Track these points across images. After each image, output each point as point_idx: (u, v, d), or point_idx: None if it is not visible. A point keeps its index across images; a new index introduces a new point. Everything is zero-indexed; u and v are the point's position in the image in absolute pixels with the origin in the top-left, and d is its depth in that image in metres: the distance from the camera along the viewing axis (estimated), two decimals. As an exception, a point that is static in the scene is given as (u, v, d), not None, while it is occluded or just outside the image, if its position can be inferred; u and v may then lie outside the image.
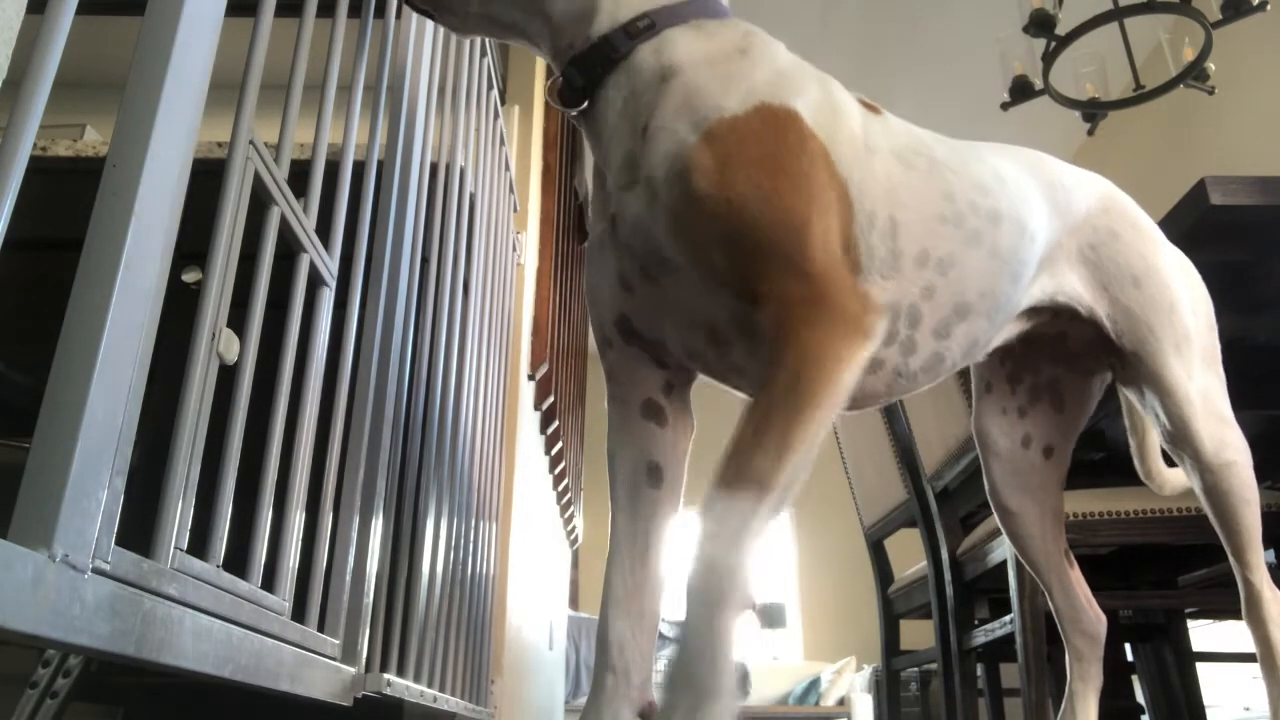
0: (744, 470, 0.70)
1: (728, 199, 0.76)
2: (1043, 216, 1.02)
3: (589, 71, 0.88)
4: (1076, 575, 1.25)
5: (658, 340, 0.91)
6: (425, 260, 1.31)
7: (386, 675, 1.04)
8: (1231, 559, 1.11)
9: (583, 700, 5.03)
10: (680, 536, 0.88)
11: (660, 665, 0.87)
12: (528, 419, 2.49)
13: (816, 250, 0.76)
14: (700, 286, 0.83)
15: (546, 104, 2.83)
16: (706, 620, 0.67)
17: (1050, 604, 1.25)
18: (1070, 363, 1.21)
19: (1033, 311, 1.07)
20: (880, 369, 0.91)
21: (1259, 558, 1.10)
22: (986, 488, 1.26)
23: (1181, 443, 1.08)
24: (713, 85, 0.82)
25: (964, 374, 1.79)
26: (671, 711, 0.66)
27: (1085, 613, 1.23)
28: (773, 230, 0.75)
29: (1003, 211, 0.95)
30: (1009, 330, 1.06)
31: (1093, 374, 1.22)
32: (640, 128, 0.84)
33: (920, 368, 0.93)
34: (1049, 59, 2.98)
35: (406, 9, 1.17)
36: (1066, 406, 1.24)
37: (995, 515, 1.27)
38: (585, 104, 0.89)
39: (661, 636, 4.57)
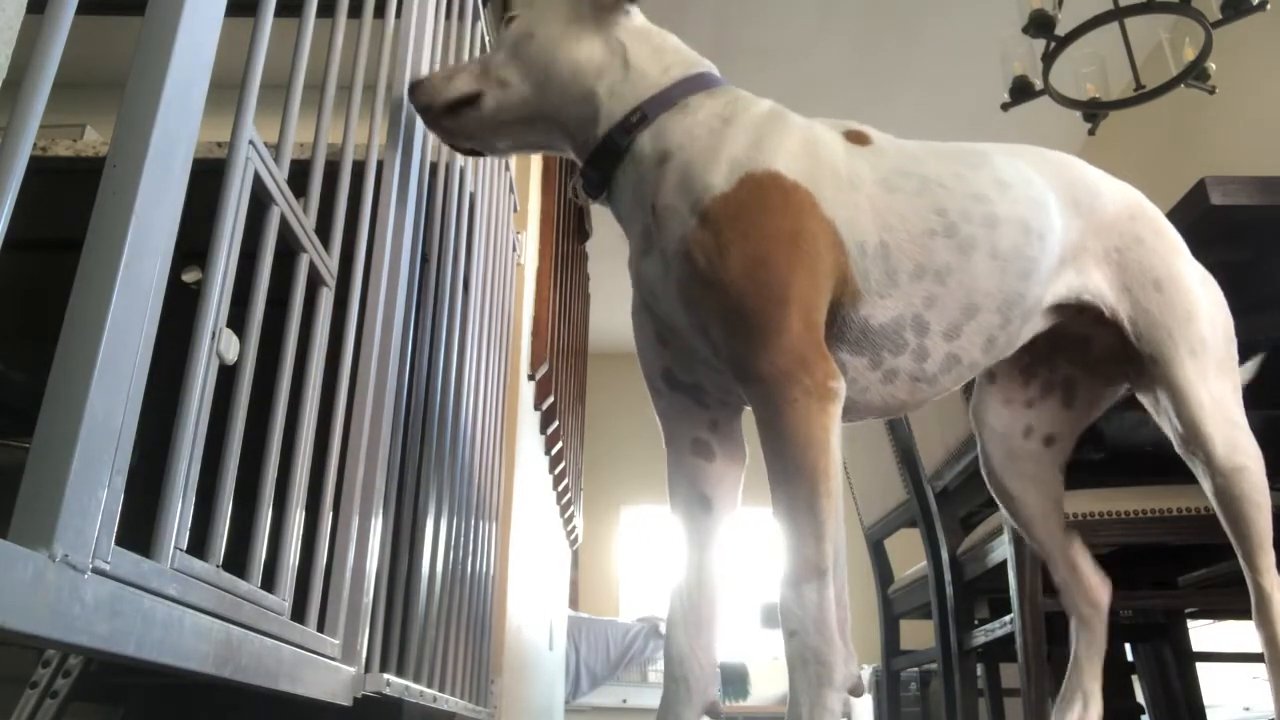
0: (799, 567, 0.82)
1: (721, 277, 0.88)
2: (1055, 216, 1.06)
3: (601, 167, 1.02)
4: (1078, 546, 1.27)
5: (697, 384, 1.02)
6: (425, 260, 1.31)
7: (386, 675, 1.04)
8: (1241, 561, 1.12)
9: (583, 700, 5.04)
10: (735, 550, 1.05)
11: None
12: (528, 419, 2.49)
13: (794, 321, 0.87)
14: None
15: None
16: (815, 701, 0.79)
17: (1054, 577, 1.27)
18: (1089, 367, 1.23)
19: (1059, 308, 1.10)
20: (895, 378, 0.98)
21: (1269, 560, 1.11)
22: (984, 472, 1.28)
23: (1193, 446, 1.10)
24: (701, 162, 0.93)
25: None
26: None
27: (1088, 581, 1.25)
28: (758, 303, 0.87)
29: (1000, 215, 1.01)
30: (1037, 324, 1.09)
31: (1110, 382, 1.23)
32: (649, 206, 0.96)
33: (939, 370, 1.00)
34: (1049, 59, 2.98)
35: (406, 9, 1.18)
36: (1076, 404, 1.25)
37: (995, 497, 1.29)
38: (605, 195, 1.04)
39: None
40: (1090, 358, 1.21)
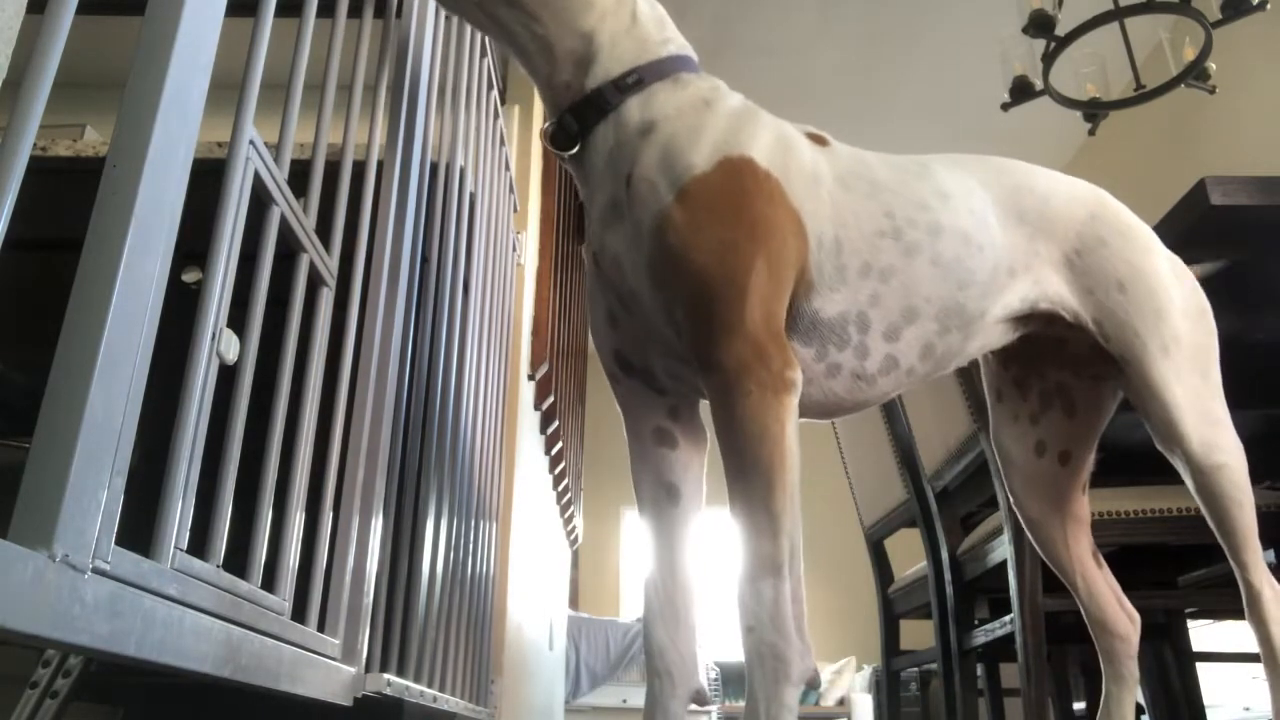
0: (755, 563, 0.82)
1: (693, 258, 0.88)
2: (997, 229, 1.07)
3: (582, 120, 0.98)
4: (1104, 576, 1.25)
5: (647, 368, 1.01)
6: (425, 260, 1.31)
7: (386, 675, 1.04)
8: (1230, 559, 1.12)
9: (583, 700, 5.04)
10: (704, 542, 1.03)
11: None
12: (528, 419, 2.49)
13: (754, 310, 0.87)
14: (660, 325, 0.94)
15: (546, 104, 2.83)
16: (767, 702, 0.79)
17: (1079, 605, 1.25)
18: (1076, 368, 1.22)
19: (1022, 319, 1.10)
20: (838, 373, 0.99)
21: (1256, 557, 1.10)
22: (1010, 496, 1.27)
23: (1170, 444, 1.10)
24: (683, 140, 0.93)
25: (966, 379, 1.79)
26: None
27: (1113, 613, 1.23)
28: (722, 289, 0.87)
29: (943, 224, 1.03)
30: (991, 338, 1.09)
31: (1101, 380, 1.22)
32: (624, 175, 0.95)
33: (877, 370, 1.01)
34: (1049, 59, 2.98)
35: (406, 9, 1.17)
36: (1078, 411, 1.25)
37: (1021, 521, 1.28)
38: (576, 149, 0.99)
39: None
40: (1071, 358, 1.21)
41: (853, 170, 1.02)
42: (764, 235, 0.90)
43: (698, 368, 0.89)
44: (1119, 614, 1.23)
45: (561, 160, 1.02)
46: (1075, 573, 1.24)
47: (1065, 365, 1.22)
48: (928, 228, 1.02)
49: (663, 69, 0.99)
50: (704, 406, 1.03)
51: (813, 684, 0.83)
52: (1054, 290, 1.09)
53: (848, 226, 0.98)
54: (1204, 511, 1.11)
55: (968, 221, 1.05)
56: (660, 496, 1.01)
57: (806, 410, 1.01)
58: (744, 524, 0.84)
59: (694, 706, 0.97)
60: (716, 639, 5.60)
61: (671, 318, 0.91)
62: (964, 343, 1.06)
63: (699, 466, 1.03)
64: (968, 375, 1.78)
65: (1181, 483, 1.66)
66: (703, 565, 1.03)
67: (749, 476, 0.84)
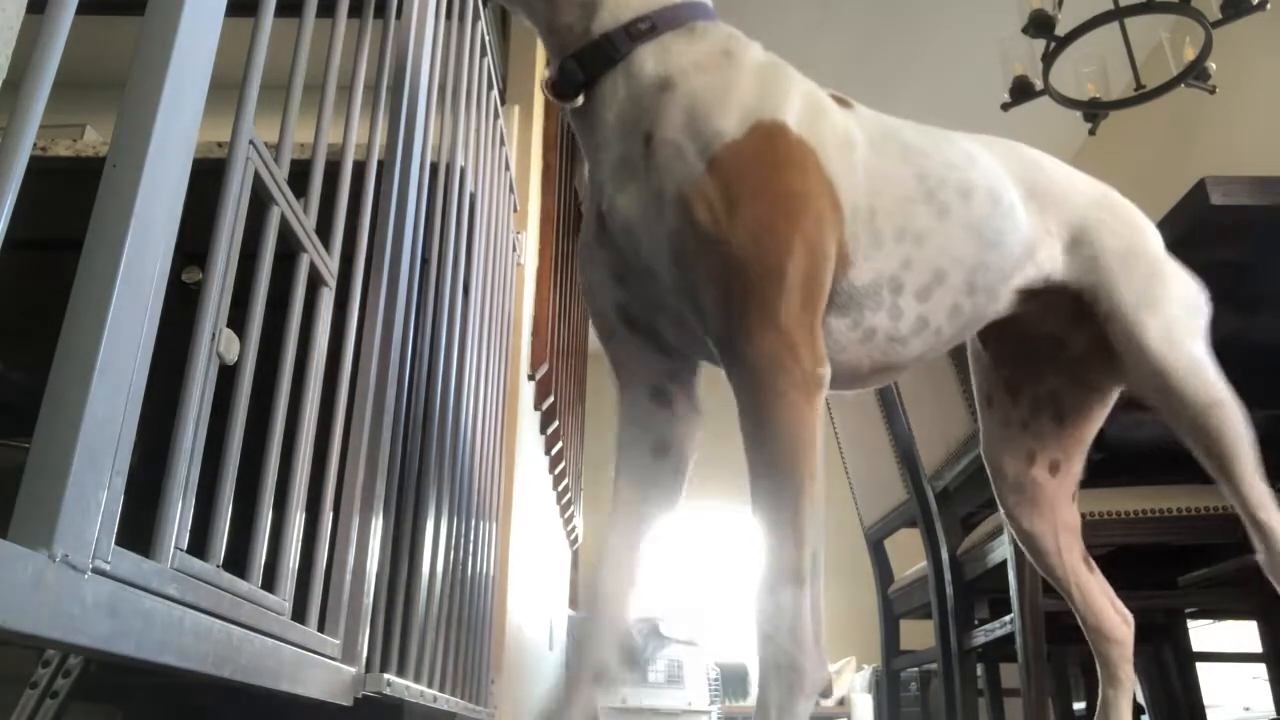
0: (777, 570, 0.79)
1: (727, 239, 0.82)
2: (1017, 195, 1.06)
3: (588, 67, 0.91)
4: (1096, 581, 1.25)
5: (653, 329, 0.95)
6: (425, 260, 1.31)
7: (386, 675, 1.04)
8: (1237, 505, 1.09)
9: (583, 700, 5.02)
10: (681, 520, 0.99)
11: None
12: (528, 419, 2.49)
13: (792, 298, 0.83)
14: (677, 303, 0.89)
15: (547, 104, 2.83)
16: (786, 707, 0.77)
17: (1075, 613, 1.25)
18: (1072, 373, 1.21)
19: (1028, 296, 1.09)
20: (873, 336, 0.96)
21: (1262, 492, 1.07)
22: (1001, 511, 1.27)
23: (1164, 394, 1.06)
24: (711, 100, 0.87)
25: (966, 378, 1.79)
26: None
27: (1107, 618, 1.22)
28: (758, 273, 0.82)
29: (974, 184, 1.01)
30: (1002, 305, 1.07)
31: (1095, 389, 1.22)
32: (642, 134, 0.87)
33: (909, 331, 0.98)
34: (1049, 59, 2.98)
35: (406, 9, 1.17)
36: (1067, 420, 1.24)
37: (1014, 537, 1.28)
38: (580, 99, 0.92)
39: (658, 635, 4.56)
40: (1070, 360, 1.20)
41: (882, 133, 0.98)
42: (799, 211, 0.85)
43: (722, 357, 0.85)
44: (1114, 619, 1.23)
45: (563, 110, 0.96)
46: (1070, 582, 1.24)
47: (1063, 370, 1.22)
48: (958, 188, 1.00)
49: (677, 15, 0.91)
50: (703, 375, 1.00)
51: (825, 693, 0.82)
52: (1061, 268, 1.09)
53: (881, 193, 0.94)
54: (1203, 459, 1.09)
55: (995, 182, 1.03)
56: (646, 452, 0.96)
57: (836, 379, 0.95)
58: (768, 530, 0.81)
59: (662, 686, 0.97)
60: (717, 639, 5.59)
61: (695, 301, 0.86)
62: (987, 306, 1.05)
63: (693, 431, 0.98)
64: (968, 374, 1.78)
65: (1182, 482, 1.66)
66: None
67: (777, 482, 0.81)
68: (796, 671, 0.78)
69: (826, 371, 0.84)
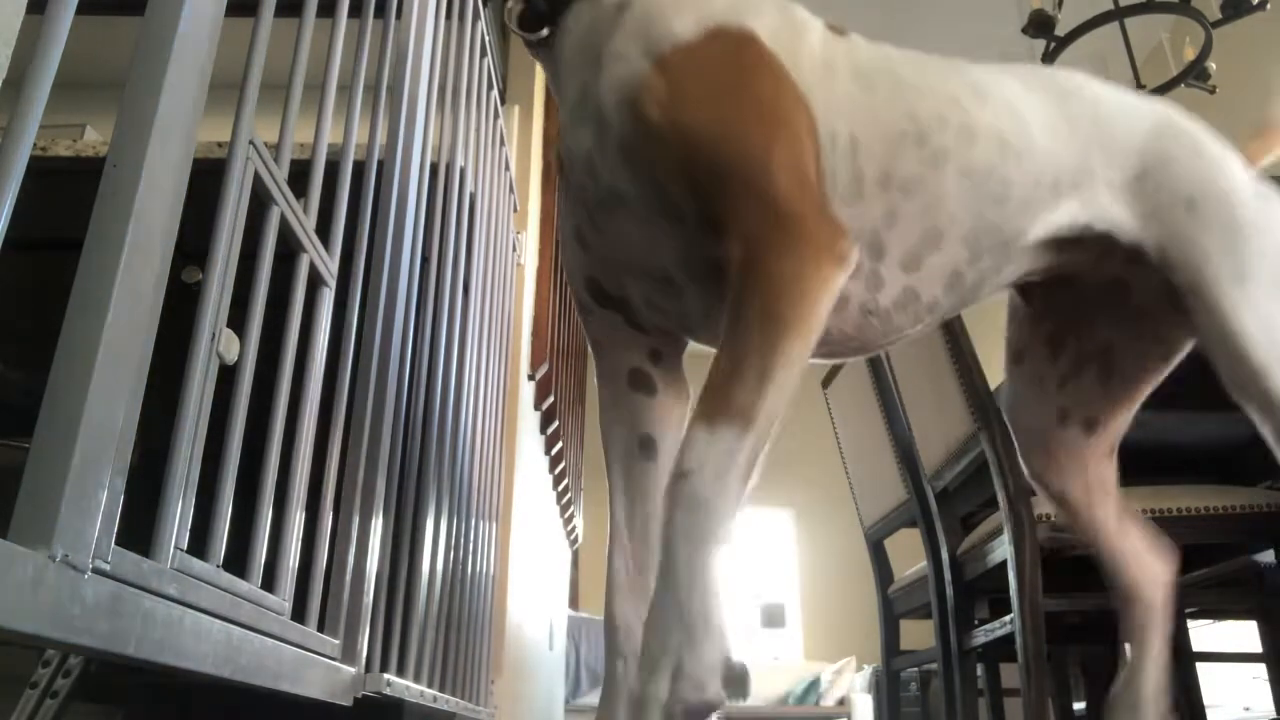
0: (724, 404, 0.67)
1: (681, 127, 0.73)
2: (1042, 135, 0.92)
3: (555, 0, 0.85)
4: (1130, 543, 1.12)
5: (624, 297, 0.88)
6: (425, 260, 1.31)
7: (386, 675, 1.04)
8: None
9: (583, 700, 5.03)
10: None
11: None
12: (528, 419, 2.49)
13: (781, 176, 0.72)
14: (647, 226, 0.79)
15: (547, 104, 2.83)
16: (689, 558, 0.65)
17: (1108, 572, 1.13)
18: (1134, 325, 1.05)
19: (1065, 245, 0.94)
20: (845, 306, 0.84)
21: None
22: (1023, 465, 1.15)
23: (1243, 383, 0.91)
24: (667, 9, 0.78)
25: (966, 378, 1.79)
26: (660, 654, 0.63)
27: (1129, 578, 1.10)
28: (733, 160, 0.72)
29: (977, 127, 0.88)
30: (1023, 264, 0.94)
31: (1160, 342, 1.06)
32: (594, 57, 0.80)
33: (893, 304, 0.86)
34: (1049, 59, 2.98)
35: (406, 9, 1.17)
36: (1117, 377, 1.08)
37: (1038, 490, 1.15)
38: (545, 32, 0.86)
39: None
40: (1132, 310, 1.03)
41: (874, 65, 0.87)
42: (774, 119, 0.75)
43: (714, 236, 0.74)
44: (1156, 564, 1.10)
45: (529, 48, 0.89)
46: (1100, 540, 1.11)
47: (1122, 321, 1.05)
48: (959, 130, 0.86)
49: None
50: (688, 355, 0.92)
51: (731, 684, 0.66)
52: (1110, 214, 0.93)
53: (866, 127, 0.82)
54: None
55: (1007, 124, 0.89)
56: (633, 450, 0.88)
57: None
58: (727, 362, 0.69)
59: None
60: (716, 639, 5.59)
61: (664, 201, 0.76)
62: (997, 269, 0.91)
63: (679, 419, 0.90)
64: (968, 374, 1.78)
65: (1182, 482, 1.66)
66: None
67: (757, 326, 0.69)
68: (711, 515, 0.66)
69: (850, 249, 0.72)
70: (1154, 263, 0.94)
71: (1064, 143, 0.92)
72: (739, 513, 0.68)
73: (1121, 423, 1.11)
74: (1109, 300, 1.03)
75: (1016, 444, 1.15)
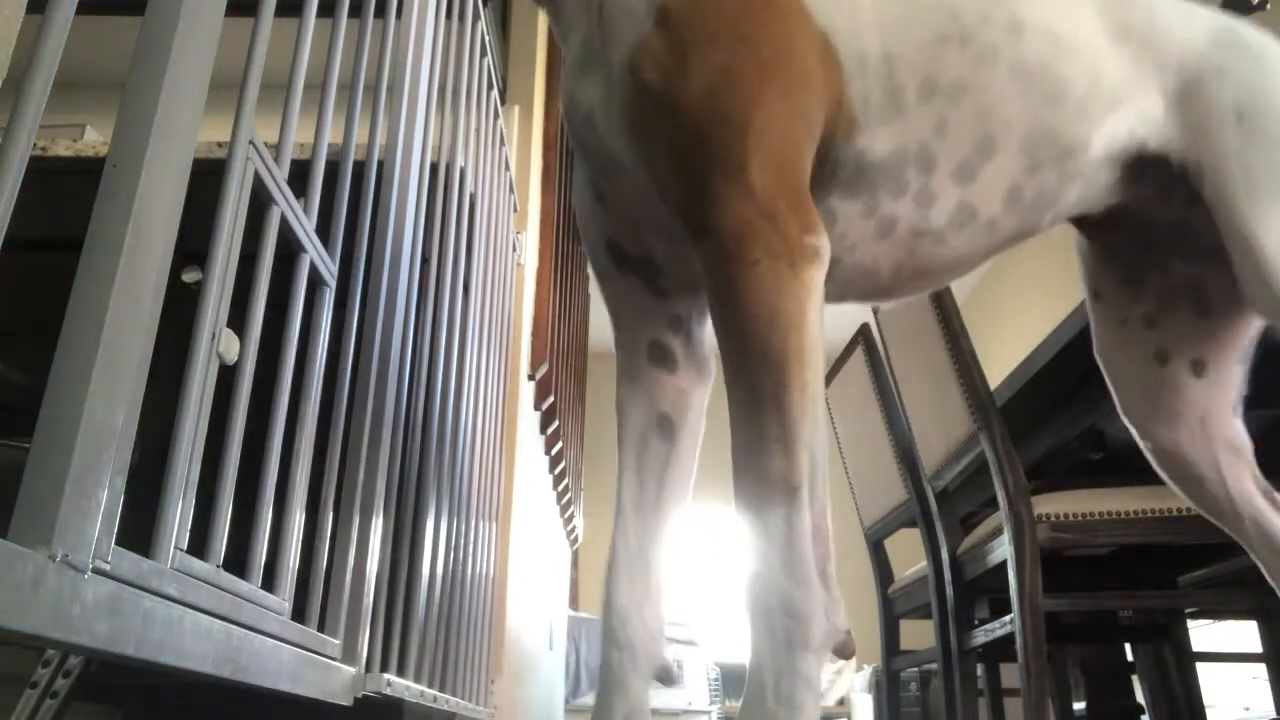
0: (759, 482, 0.63)
1: (677, 96, 0.69)
2: (1097, 36, 0.85)
3: None
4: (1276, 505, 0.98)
5: (646, 258, 0.83)
6: (425, 260, 1.31)
7: (386, 675, 1.04)
8: None
9: (583, 700, 5.04)
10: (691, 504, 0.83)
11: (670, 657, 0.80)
12: (528, 419, 2.49)
13: (762, 158, 0.68)
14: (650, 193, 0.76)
15: (547, 104, 2.83)
16: (785, 667, 0.59)
17: (1254, 558, 1.01)
18: (1214, 263, 0.94)
19: (1124, 174, 0.86)
20: (892, 229, 0.78)
21: None
22: (1133, 431, 1.01)
23: (1271, 309, 0.83)
24: None
25: (966, 377, 1.79)
26: None
27: None
28: (716, 131, 0.68)
29: (1024, 19, 0.81)
30: (1097, 186, 0.86)
31: None
32: (596, 6, 0.76)
33: (947, 222, 0.79)
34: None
35: (406, 9, 1.17)
36: (1216, 311, 0.97)
37: (1149, 455, 1.01)
38: None
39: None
40: (1204, 250, 0.93)
41: None
42: (776, 60, 0.70)
43: (688, 233, 0.70)
44: None
45: (540, 4, 0.85)
46: (1240, 517, 0.97)
47: (1201, 259, 0.95)
48: (1005, 25, 0.79)
49: None
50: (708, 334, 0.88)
51: (843, 651, 0.63)
52: (1162, 130, 0.85)
53: (901, 38, 0.77)
54: None
55: (1057, 20, 0.82)
56: (649, 430, 0.83)
57: (852, 287, 0.81)
58: (746, 434, 0.64)
59: (659, 687, 0.79)
60: (717, 639, 5.59)
61: (656, 179, 0.72)
62: (1060, 184, 0.83)
63: (700, 400, 0.86)
64: (968, 374, 1.78)
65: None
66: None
67: (754, 371, 0.64)
68: (796, 618, 0.59)
69: (820, 241, 0.68)
70: (1192, 181, 0.86)
71: (1118, 47, 0.85)
72: (828, 600, 0.62)
73: (1236, 368, 0.98)
74: (1179, 242, 0.95)
75: (1114, 391, 1.01)
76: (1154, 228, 0.94)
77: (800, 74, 0.71)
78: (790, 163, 0.70)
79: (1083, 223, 0.98)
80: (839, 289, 0.81)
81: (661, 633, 0.80)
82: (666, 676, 0.79)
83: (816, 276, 0.68)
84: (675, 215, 0.72)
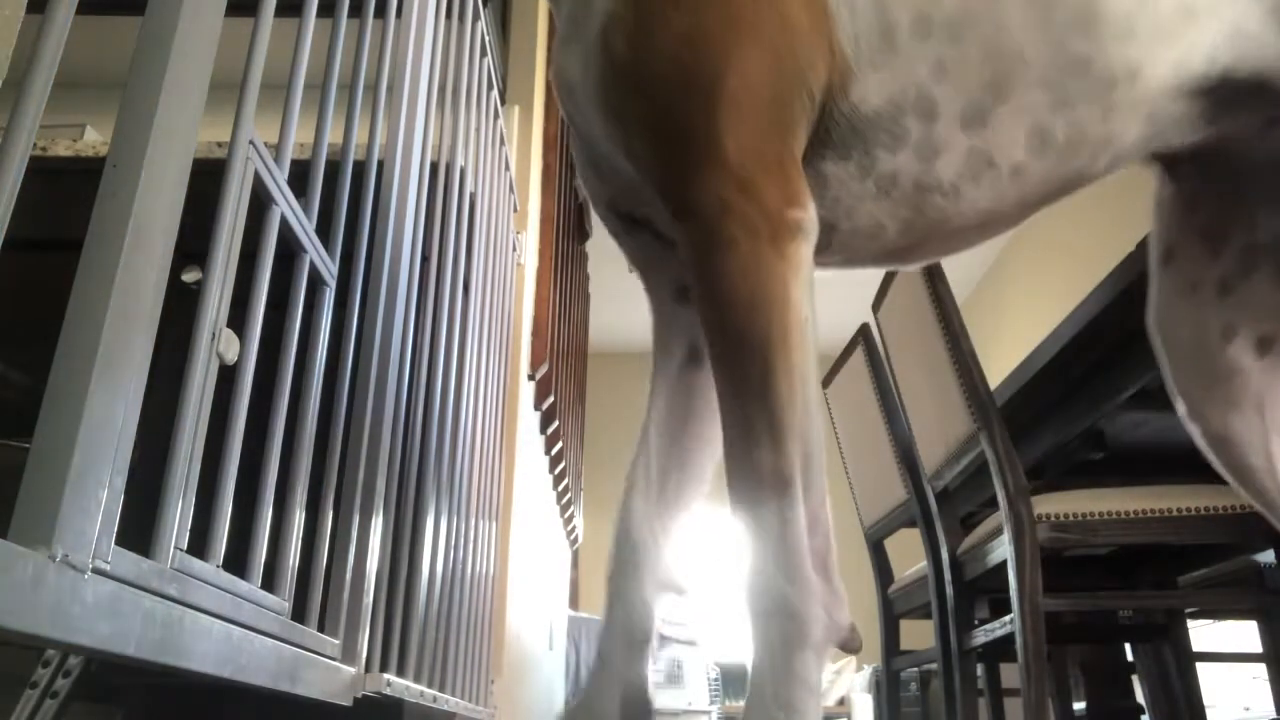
0: (750, 476, 0.60)
1: (643, 69, 0.65)
2: None
3: None
4: None
5: (648, 219, 0.80)
6: (425, 260, 1.31)
7: (386, 675, 1.04)
8: None
9: (583, 700, 5.03)
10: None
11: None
12: (528, 419, 2.49)
13: (736, 126, 0.63)
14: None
15: (547, 104, 2.84)
16: (782, 669, 0.57)
17: None
18: None
19: (1214, 101, 0.73)
20: (894, 187, 0.71)
21: None
22: (1180, 406, 0.92)
23: None
24: None
25: (966, 376, 1.79)
26: None
27: None
28: (684, 101, 0.63)
29: None
30: (1160, 123, 0.74)
31: None
32: None
33: (958, 174, 0.71)
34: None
35: (406, 9, 1.17)
36: None
37: (1196, 435, 0.93)
38: None
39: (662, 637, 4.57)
40: None
41: None
42: (747, 14, 0.64)
43: (670, 218, 0.66)
44: None
45: None
46: None
47: None
48: None
49: None
50: None
51: (849, 646, 0.61)
52: (1260, 45, 0.71)
53: None
54: None
55: None
56: (681, 356, 0.79)
57: (859, 251, 0.74)
58: (735, 429, 0.61)
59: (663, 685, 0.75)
60: (717, 639, 5.59)
61: (633, 160, 0.68)
62: (1105, 122, 0.72)
63: None
64: (968, 374, 1.78)
65: (1182, 482, 1.66)
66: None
67: (737, 359, 0.61)
68: (793, 617, 0.57)
69: (804, 215, 0.63)
70: None
71: None
72: (829, 593, 0.59)
73: None
74: (1276, 188, 0.85)
75: (1165, 367, 0.93)
76: (1250, 170, 0.83)
77: (780, 23, 0.66)
78: (771, 127, 0.65)
79: (1169, 163, 0.87)
80: (844, 255, 0.75)
81: (675, 559, 0.77)
82: (675, 588, 0.76)
83: (801, 252, 0.63)
84: (655, 197, 0.69)
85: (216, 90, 0.62)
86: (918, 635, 2.45)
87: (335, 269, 0.96)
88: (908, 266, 0.80)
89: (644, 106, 0.66)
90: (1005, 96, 0.70)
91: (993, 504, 1.75)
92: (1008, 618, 1.75)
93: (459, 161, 1.49)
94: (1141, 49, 0.71)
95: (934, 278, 1.85)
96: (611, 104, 0.68)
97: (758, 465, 0.60)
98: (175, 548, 0.62)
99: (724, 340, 0.63)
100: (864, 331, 2.36)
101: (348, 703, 0.94)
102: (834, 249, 0.75)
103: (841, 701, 5.70)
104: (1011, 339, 5.16)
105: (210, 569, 0.66)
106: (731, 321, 0.62)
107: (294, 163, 0.84)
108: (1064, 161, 0.74)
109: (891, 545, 2.61)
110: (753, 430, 0.61)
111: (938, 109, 0.69)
